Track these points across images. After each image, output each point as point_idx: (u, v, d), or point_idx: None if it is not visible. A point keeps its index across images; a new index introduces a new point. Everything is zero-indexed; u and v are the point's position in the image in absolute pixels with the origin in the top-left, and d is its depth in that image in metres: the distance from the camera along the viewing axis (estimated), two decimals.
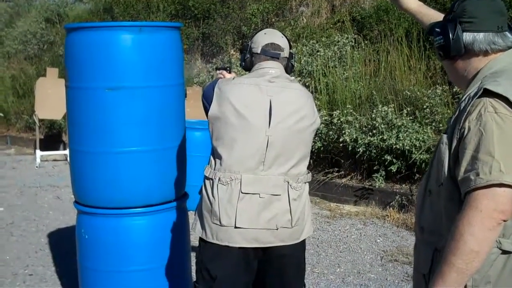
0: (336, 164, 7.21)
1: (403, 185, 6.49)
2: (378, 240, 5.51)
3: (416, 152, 6.18)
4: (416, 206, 2.09)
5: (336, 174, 7.11)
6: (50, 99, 9.33)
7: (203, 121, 6.11)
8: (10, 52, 13.25)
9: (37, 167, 9.35)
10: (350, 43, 8.11)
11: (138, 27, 3.36)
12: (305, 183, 2.78)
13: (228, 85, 2.70)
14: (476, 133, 1.72)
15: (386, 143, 6.35)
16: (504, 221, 1.68)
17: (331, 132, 7.02)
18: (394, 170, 6.41)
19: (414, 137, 6.23)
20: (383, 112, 6.57)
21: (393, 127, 6.45)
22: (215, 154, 2.70)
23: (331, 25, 8.90)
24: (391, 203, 6.28)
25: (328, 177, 7.08)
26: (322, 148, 7.16)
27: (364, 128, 6.75)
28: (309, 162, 2.84)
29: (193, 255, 3.96)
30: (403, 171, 6.45)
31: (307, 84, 7.84)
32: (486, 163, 1.67)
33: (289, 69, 2.87)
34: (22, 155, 10.55)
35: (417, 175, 6.27)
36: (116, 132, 3.37)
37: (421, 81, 7.14)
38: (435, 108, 6.51)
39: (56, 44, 12.38)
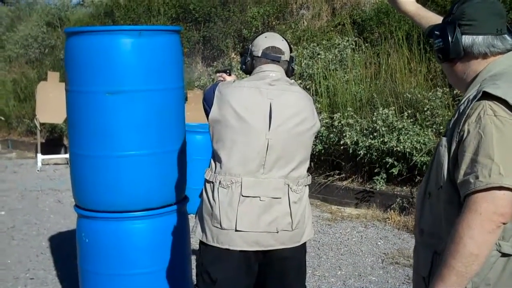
0: (337, 166, 7.21)
1: (404, 188, 6.49)
2: (379, 243, 5.51)
3: (417, 155, 6.18)
4: (416, 208, 2.09)
5: (337, 176, 7.11)
6: (51, 103, 9.34)
7: (204, 124, 6.10)
8: (11, 56, 13.28)
9: (38, 171, 9.36)
10: (351, 45, 8.12)
11: (137, 31, 3.37)
12: (305, 186, 2.78)
13: (229, 88, 2.70)
14: (476, 136, 1.71)
15: (387, 145, 6.35)
16: (504, 224, 1.68)
17: (332, 135, 7.02)
18: (395, 173, 6.41)
19: (415, 139, 6.23)
20: (383, 115, 6.57)
21: (393, 129, 6.45)
22: (216, 157, 2.70)
23: (332, 28, 8.91)
24: (392, 206, 6.27)
25: (329, 180, 7.08)
26: (323, 151, 7.16)
27: (365, 131, 6.75)
28: (310, 165, 2.84)
29: (193, 258, 3.97)
30: (404, 174, 6.44)
31: (307, 87, 7.84)
32: (486, 166, 1.67)
33: (289, 73, 2.88)
34: (23, 159, 10.57)
35: (418, 177, 6.26)
36: (116, 136, 3.37)
37: (421, 83, 7.14)
38: (435, 111, 6.51)
39: (57, 48, 12.40)
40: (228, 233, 2.64)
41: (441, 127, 6.34)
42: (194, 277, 4.00)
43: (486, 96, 1.74)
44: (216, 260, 2.69)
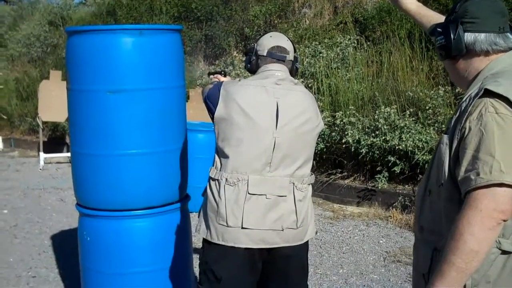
0: (339, 165, 7.21)
1: (406, 186, 6.49)
2: (381, 241, 5.51)
3: (419, 153, 6.18)
4: (416, 206, 2.09)
5: (339, 175, 7.11)
6: (53, 102, 9.36)
7: (206, 123, 6.13)
8: (13, 55, 13.30)
9: (40, 169, 9.38)
10: (353, 44, 8.12)
11: (138, 30, 3.37)
12: (309, 184, 2.80)
13: (235, 87, 2.71)
14: (477, 133, 1.72)
15: (389, 144, 6.35)
16: (504, 221, 1.69)
17: (334, 133, 7.02)
18: (397, 171, 6.41)
19: (417, 138, 6.23)
20: (385, 113, 6.57)
21: (395, 128, 6.45)
22: (221, 155, 2.70)
23: (334, 27, 8.90)
24: (394, 204, 6.27)
25: (331, 178, 7.08)
26: (325, 149, 7.16)
27: (366, 129, 6.75)
28: (312, 163, 2.86)
29: (195, 256, 3.97)
30: (406, 172, 6.44)
31: (309, 85, 7.84)
32: (487, 163, 1.67)
33: (293, 72, 2.90)
34: (25, 158, 10.59)
35: (420, 176, 6.26)
36: (118, 135, 3.38)
37: (423, 82, 7.14)
38: (437, 109, 6.50)
39: (60, 47, 12.41)
40: (233, 230, 2.64)
41: (443, 126, 6.33)
42: (196, 276, 4.01)
43: (488, 93, 1.75)
44: (220, 258, 2.70)
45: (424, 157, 6.13)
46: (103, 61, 3.32)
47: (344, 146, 6.90)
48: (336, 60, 7.97)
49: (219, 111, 2.68)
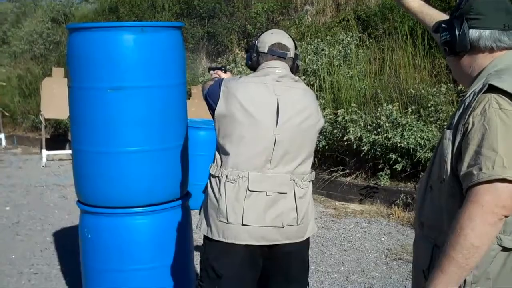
0: (341, 162, 7.21)
1: (408, 184, 6.48)
2: (383, 239, 5.51)
3: (420, 151, 6.17)
4: (416, 201, 2.10)
5: (341, 172, 7.11)
6: (56, 99, 9.36)
7: (207, 120, 6.13)
8: (16, 52, 13.31)
9: (43, 166, 9.39)
10: (355, 41, 8.11)
11: (140, 27, 3.37)
12: (309, 181, 2.80)
13: (236, 83, 2.71)
14: (480, 128, 1.72)
15: (391, 141, 6.35)
16: (506, 216, 1.68)
17: (335, 131, 7.02)
18: (399, 169, 6.40)
19: (419, 135, 6.22)
20: (387, 111, 6.56)
21: (397, 125, 6.44)
22: (222, 152, 2.70)
23: (336, 24, 8.89)
24: (396, 202, 6.27)
25: (333, 176, 7.08)
26: (327, 147, 7.16)
27: (368, 127, 6.74)
28: (314, 160, 2.86)
29: (196, 254, 3.97)
30: (408, 170, 6.44)
31: (311, 82, 7.83)
32: (489, 158, 1.67)
33: (294, 70, 2.89)
34: (28, 155, 10.60)
35: (422, 173, 6.25)
36: (118, 132, 3.38)
37: (425, 79, 7.13)
38: (439, 107, 6.49)
39: (62, 44, 12.42)
40: (234, 227, 2.64)
41: (445, 123, 6.32)
42: (197, 273, 4.02)
43: (492, 89, 1.75)
44: (221, 255, 2.70)
45: (426, 155, 6.12)
46: (104, 58, 3.32)
47: (346, 143, 6.90)
48: (338, 57, 7.97)
49: (220, 107, 2.68)
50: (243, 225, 2.64)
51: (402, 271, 4.71)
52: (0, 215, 6.57)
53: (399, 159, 6.39)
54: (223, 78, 2.85)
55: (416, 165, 6.34)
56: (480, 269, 1.79)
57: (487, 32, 1.87)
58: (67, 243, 5.40)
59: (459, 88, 6.65)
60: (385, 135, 6.42)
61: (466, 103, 1.82)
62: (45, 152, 9.57)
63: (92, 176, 3.49)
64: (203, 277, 2.78)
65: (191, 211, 3.82)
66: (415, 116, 6.57)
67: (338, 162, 7.23)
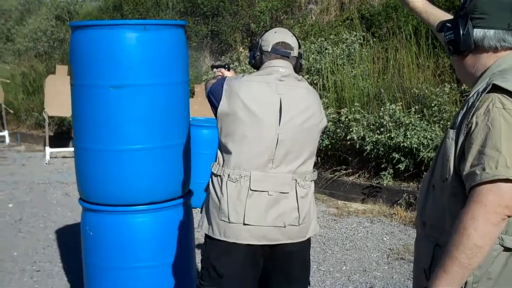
0: (343, 162, 7.20)
1: (411, 183, 6.47)
2: (385, 238, 5.50)
3: (424, 150, 6.16)
4: (418, 201, 2.09)
5: (344, 172, 7.10)
6: (59, 96, 9.37)
7: (210, 118, 6.13)
8: (20, 50, 13.34)
9: (46, 164, 9.41)
10: (359, 40, 8.10)
11: (142, 25, 3.37)
12: (311, 181, 2.79)
13: (238, 82, 2.71)
14: (484, 128, 1.72)
15: (394, 141, 6.34)
16: (508, 216, 1.68)
17: (338, 130, 7.01)
18: (402, 168, 6.39)
19: (422, 135, 6.21)
20: (391, 110, 6.55)
21: (401, 125, 6.43)
22: (224, 151, 2.70)
23: (340, 23, 8.89)
24: (399, 201, 6.26)
25: (335, 175, 7.07)
26: (329, 146, 7.15)
27: (372, 126, 6.74)
28: (317, 160, 2.85)
29: (197, 252, 3.98)
30: (411, 169, 6.43)
31: (315, 82, 7.83)
32: (493, 158, 1.67)
33: (297, 69, 2.88)
34: (32, 152, 10.62)
35: (424, 173, 6.21)
36: (121, 130, 3.38)
37: (429, 79, 7.12)
38: (443, 106, 6.48)
39: (66, 42, 12.44)
40: (235, 227, 2.64)
41: (449, 123, 6.28)
42: (198, 271, 4.02)
43: (496, 89, 1.75)
44: (222, 254, 2.69)
45: (429, 155, 6.11)
46: (106, 56, 3.32)
47: (349, 142, 6.89)
48: (342, 56, 7.96)
49: (222, 106, 2.67)
50: (244, 224, 2.63)
51: (404, 271, 4.71)
52: (3, 212, 6.58)
53: (402, 158, 6.38)
54: (225, 77, 2.84)
55: (419, 165, 6.33)
56: (482, 269, 1.79)
57: (491, 32, 1.87)
58: (70, 241, 5.41)
59: (462, 88, 6.64)
60: (388, 134, 6.42)
61: (470, 103, 1.82)
62: (48, 150, 9.58)
63: (94, 174, 3.50)
64: (204, 276, 2.77)
65: (193, 209, 3.82)
66: (419, 115, 6.56)
67: (341, 162, 7.23)
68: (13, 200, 7.12)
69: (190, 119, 3.78)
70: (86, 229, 3.60)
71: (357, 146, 6.73)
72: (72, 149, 9.76)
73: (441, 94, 6.53)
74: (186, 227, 3.63)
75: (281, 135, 2.66)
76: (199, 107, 7.28)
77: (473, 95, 1.83)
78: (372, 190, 6.67)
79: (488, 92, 1.76)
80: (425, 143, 6.17)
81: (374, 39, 8.14)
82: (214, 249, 2.71)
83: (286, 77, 2.74)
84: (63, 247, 5.38)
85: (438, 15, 2.39)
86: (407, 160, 6.37)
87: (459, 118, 1.85)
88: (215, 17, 10.47)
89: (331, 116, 7.06)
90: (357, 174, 6.99)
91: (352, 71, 7.71)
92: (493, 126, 1.70)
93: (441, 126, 6.38)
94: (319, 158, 7.12)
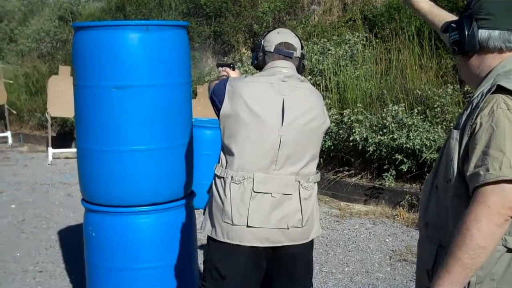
0: (346, 163, 7.19)
1: (413, 185, 6.46)
2: (387, 240, 5.49)
3: (426, 152, 6.15)
4: (421, 201, 2.10)
5: (346, 173, 7.09)
6: (62, 97, 9.38)
7: (213, 119, 6.12)
8: (23, 50, 13.35)
9: (49, 164, 9.42)
10: (362, 41, 8.09)
11: (145, 26, 3.37)
12: (314, 183, 2.78)
13: (241, 83, 2.70)
14: (488, 129, 1.72)
15: (397, 142, 6.33)
16: None
17: (341, 131, 7.00)
18: (405, 170, 6.39)
19: (425, 136, 6.20)
20: (393, 111, 6.54)
21: (403, 126, 6.42)
22: (227, 152, 2.69)
23: (343, 24, 8.87)
24: (401, 203, 6.25)
25: (338, 176, 7.06)
26: (332, 147, 7.14)
27: (374, 127, 6.73)
28: (319, 161, 2.84)
29: (200, 253, 3.98)
30: (414, 171, 6.42)
31: (318, 82, 7.82)
32: (497, 159, 1.67)
33: (300, 69, 2.88)
34: (34, 153, 10.63)
35: (427, 174, 6.20)
36: (123, 131, 3.38)
37: (432, 80, 7.10)
38: (446, 107, 6.47)
39: (69, 42, 12.43)
40: (239, 229, 2.63)
41: (451, 124, 6.29)
42: (201, 272, 4.02)
43: (500, 90, 1.76)
44: (225, 256, 2.68)
45: (431, 156, 6.10)
46: (109, 57, 3.32)
47: (351, 144, 6.88)
48: (345, 57, 7.95)
49: (225, 107, 2.67)
50: (248, 226, 2.62)
51: (407, 273, 4.70)
52: (5, 213, 6.59)
53: (405, 160, 6.37)
54: (228, 78, 2.83)
55: (422, 166, 6.32)
56: (485, 270, 1.79)
57: (496, 33, 1.87)
58: (72, 241, 5.42)
59: (465, 89, 6.63)
60: (391, 135, 6.41)
61: (474, 104, 1.82)
62: (51, 150, 9.59)
63: (96, 175, 3.50)
64: (206, 277, 2.75)
65: (196, 210, 3.82)
66: (421, 117, 6.55)
67: (344, 163, 7.22)
68: (16, 201, 7.13)
69: (193, 120, 3.78)
70: (88, 230, 3.60)
71: (360, 147, 6.72)
72: (74, 150, 9.77)
73: (444, 95, 6.52)
74: (188, 228, 3.63)
75: (284, 136, 2.65)
76: (201, 108, 7.27)
77: (477, 96, 1.83)
78: (375, 191, 6.66)
79: (493, 93, 1.77)
80: (428, 144, 6.16)
81: (377, 40, 8.13)
82: (217, 250, 2.71)
83: (289, 78, 2.73)
84: (65, 248, 5.38)
85: (443, 16, 2.39)
86: (409, 161, 6.37)
87: (463, 118, 1.85)
88: (218, 18, 10.46)
89: (333, 117, 7.06)
90: (360, 175, 6.98)
91: (354, 72, 7.70)
92: (497, 127, 1.70)
93: (444, 127, 6.37)
94: (321, 159, 7.11)
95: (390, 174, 6.51)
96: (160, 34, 3.40)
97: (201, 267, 3.05)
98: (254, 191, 2.63)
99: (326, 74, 7.84)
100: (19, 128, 12.20)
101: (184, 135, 3.59)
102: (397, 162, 6.42)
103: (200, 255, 3.89)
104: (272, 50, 2.81)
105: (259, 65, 2.88)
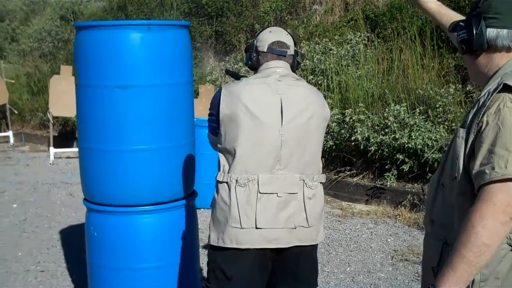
0: (348, 163, 7.19)
1: (415, 185, 6.46)
2: (389, 240, 5.49)
3: (428, 151, 6.14)
4: (427, 199, 2.10)
5: (348, 173, 7.09)
6: (64, 97, 9.39)
7: None
8: (25, 50, 13.37)
9: (50, 164, 9.43)
10: (363, 41, 8.08)
11: (146, 25, 3.37)
12: (319, 183, 2.76)
13: (238, 87, 2.68)
14: (494, 127, 1.73)
15: (398, 142, 6.33)
16: None
17: (343, 131, 7.00)
18: (406, 169, 6.38)
19: (427, 136, 6.19)
20: (395, 111, 6.54)
21: (405, 126, 6.42)
22: (229, 156, 2.66)
23: (344, 23, 8.87)
24: (403, 203, 6.25)
25: (340, 176, 7.06)
26: (334, 147, 7.14)
27: (376, 127, 6.72)
28: (321, 161, 2.82)
29: (202, 253, 3.98)
30: (415, 171, 6.41)
31: (319, 82, 7.82)
32: (502, 157, 1.68)
33: (294, 67, 2.86)
34: (36, 152, 10.65)
35: (429, 174, 6.22)
36: (125, 130, 3.38)
37: (434, 79, 7.10)
38: (447, 107, 6.47)
39: (71, 42, 12.45)
40: (248, 231, 2.60)
41: (453, 124, 6.30)
42: (203, 272, 4.02)
43: (507, 88, 1.76)
44: (231, 257, 2.66)
45: (433, 156, 6.09)
46: (111, 56, 3.32)
47: (353, 143, 6.88)
48: (346, 57, 7.95)
49: (223, 111, 2.64)
50: (256, 228, 2.60)
51: (408, 272, 4.70)
52: (7, 213, 6.60)
53: (407, 159, 6.36)
54: (221, 88, 2.82)
55: (424, 166, 6.31)
56: (490, 268, 1.80)
57: (504, 32, 1.87)
58: (74, 241, 5.42)
59: (467, 88, 6.63)
60: (393, 135, 6.40)
61: (481, 102, 1.83)
62: (52, 150, 9.60)
63: (98, 175, 3.50)
64: (210, 279, 2.72)
65: (197, 210, 3.82)
66: (423, 116, 6.54)
67: (345, 162, 7.22)
68: (17, 201, 7.14)
69: (195, 119, 3.78)
70: (90, 229, 3.60)
71: (362, 147, 6.72)
72: (76, 149, 9.76)
73: (446, 95, 6.51)
74: (190, 227, 3.63)
75: (284, 135, 2.64)
76: (203, 108, 7.24)
77: (484, 95, 1.84)
78: (376, 191, 6.66)
79: (499, 91, 1.77)
80: (430, 144, 6.15)
81: (379, 40, 8.12)
82: (223, 253, 2.67)
83: (284, 77, 2.72)
84: (67, 248, 5.38)
85: (451, 16, 2.40)
86: (411, 161, 6.36)
87: (470, 117, 1.85)
88: (219, 17, 10.47)
89: (335, 117, 7.06)
90: (361, 175, 6.98)
91: (356, 72, 7.70)
92: (503, 126, 1.71)
93: (446, 127, 6.37)
94: (323, 159, 7.07)
95: (392, 174, 6.50)
96: (162, 34, 3.40)
97: (203, 266, 3.05)
98: (260, 192, 2.61)
99: (328, 74, 7.84)
100: (21, 127, 12.22)
101: (185, 135, 3.59)
102: (398, 162, 6.41)
103: (202, 255, 3.89)
104: (265, 50, 2.79)
105: (253, 66, 2.86)
